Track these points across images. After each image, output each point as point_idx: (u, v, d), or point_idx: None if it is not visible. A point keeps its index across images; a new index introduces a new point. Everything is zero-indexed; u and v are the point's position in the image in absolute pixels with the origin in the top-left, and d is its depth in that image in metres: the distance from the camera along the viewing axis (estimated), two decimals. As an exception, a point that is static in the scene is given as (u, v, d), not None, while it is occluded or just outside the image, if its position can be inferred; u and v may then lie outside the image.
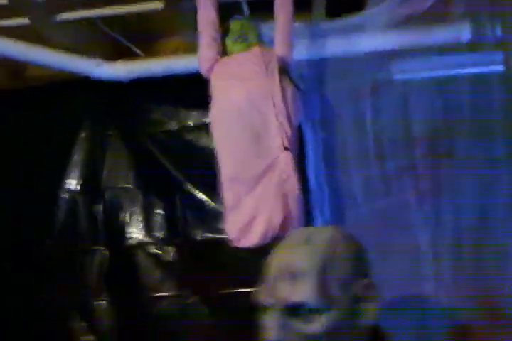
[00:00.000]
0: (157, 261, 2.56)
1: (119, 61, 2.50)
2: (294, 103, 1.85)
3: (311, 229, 1.19)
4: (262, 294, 1.03)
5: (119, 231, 2.62)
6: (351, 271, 1.01)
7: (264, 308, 1.02)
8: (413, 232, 1.84)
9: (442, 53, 1.93)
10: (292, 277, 0.97)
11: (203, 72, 2.00)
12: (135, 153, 2.68)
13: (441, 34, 2.07)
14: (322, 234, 1.06)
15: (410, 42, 2.09)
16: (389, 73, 1.99)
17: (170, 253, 2.56)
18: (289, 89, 1.85)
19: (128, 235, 2.61)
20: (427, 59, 1.95)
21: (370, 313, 1.00)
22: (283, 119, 1.79)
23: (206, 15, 1.99)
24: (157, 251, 2.58)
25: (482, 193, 1.79)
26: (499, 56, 1.78)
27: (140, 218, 2.62)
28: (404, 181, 1.88)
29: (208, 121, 2.60)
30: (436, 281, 1.79)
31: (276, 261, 1.04)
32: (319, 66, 2.16)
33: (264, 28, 2.12)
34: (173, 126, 2.67)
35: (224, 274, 2.46)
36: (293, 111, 1.83)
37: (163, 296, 2.52)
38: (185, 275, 2.52)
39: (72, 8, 2.27)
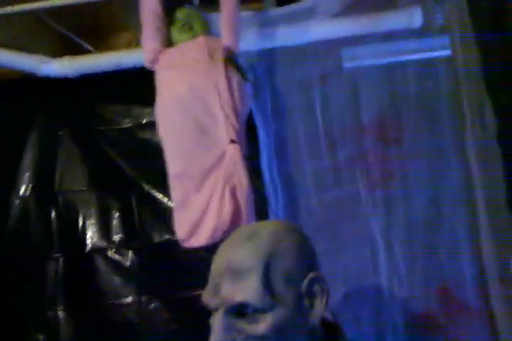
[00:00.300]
0: (115, 266, 2.47)
1: (67, 57, 2.41)
2: (240, 94, 1.79)
3: (255, 224, 1.12)
4: (206, 295, 0.97)
5: (74, 236, 2.52)
6: (297, 265, 0.95)
7: (210, 310, 0.96)
8: (365, 221, 1.81)
9: (391, 39, 1.90)
10: (235, 275, 0.92)
11: (147, 64, 1.93)
12: (88, 153, 2.58)
13: (392, 20, 2.05)
14: (266, 228, 1.00)
15: (361, 29, 2.05)
16: (337, 61, 1.95)
17: (128, 256, 2.47)
18: (235, 79, 1.79)
19: (84, 240, 2.51)
20: (375, 46, 1.92)
21: (319, 308, 0.95)
22: (229, 111, 1.73)
23: (148, 5, 1.93)
24: (115, 256, 2.48)
25: (431, 180, 1.77)
26: (445, 39, 1.75)
27: (96, 221, 2.52)
28: (355, 170, 1.85)
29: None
30: (390, 270, 1.77)
31: (219, 259, 0.98)
32: (269, 56, 2.11)
33: (213, 17, 2.07)
34: (126, 123, 2.59)
35: (185, 276, 2.38)
36: (240, 102, 1.78)
37: (123, 302, 2.43)
38: (145, 280, 2.44)
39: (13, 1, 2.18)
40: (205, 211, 1.70)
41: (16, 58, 2.35)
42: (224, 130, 1.72)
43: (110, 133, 2.60)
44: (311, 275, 0.95)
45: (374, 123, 1.83)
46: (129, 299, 2.43)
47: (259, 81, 2.09)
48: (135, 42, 2.58)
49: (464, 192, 1.69)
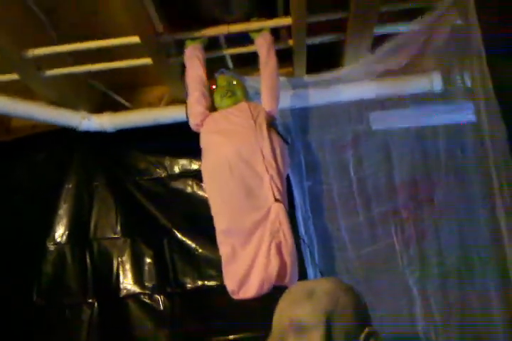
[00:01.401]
0: (149, 311, 2.55)
1: (106, 113, 2.56)
2: (282, 156, 1.92)
3: (310, 282, 1.22)
4: None
5: (108, 282, 2.61)
6: (354, 320, 1.05)
7: None
8: (401, 274, 1.92)
9: (417, 103, 2.06)
10: (299, 331, 1.02)
11: (193, 126, 2.06)
12: (122, 202, 2.70)
13: (415, 84, 2.22)
14: (323, 286, 1.10)
15: (386, 92, 2.23)
16: (368, 123, 2.10)
17: (161, 302, 2.55)
18: (277, 142, 1.92)
19: (118, 286, 2.59)
20: (402, 110, 2.08)
21: None
22: (273, 172, 1.85)
23: (194, 72, 2.08)
24: (148, 301, 2.57)
25: (462, 237, 1.90)
26: (470, 105, 1.91)
27: (129, 268, 2.62)
28: (390, 226, 1.98)
29: (193, 168, 2.73)
30: (426, 320, 1.87)
31: (282, 316, 1.07)
32: (302, 116, 2.27)
33: (248, 80, 2.22)
34: (159, 174, 2.74)
35: (218, 321, 2.45)
36: (282, 164, 1.91)
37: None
38: (178, 324, 2.51)
39: (61, 64, 2.33)
40: (252, 265, 1.80)
41: (60, 114, 2.50)
42: (269, 189, 1.85)
43: (144, 183, 2.72)
44: (366, 330, 1.05)
45: (406, 182, 1.97)
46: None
47: (292, 139, 2.23)
48: (167, 96, 2.76)
49: (492, 247, 1.82)
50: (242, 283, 1.82)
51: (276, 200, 1.84)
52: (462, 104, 1.96)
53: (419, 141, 2.02)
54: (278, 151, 1.91)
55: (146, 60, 2.24)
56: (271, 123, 1.97)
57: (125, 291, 2.59)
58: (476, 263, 1.87)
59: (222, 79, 2.13)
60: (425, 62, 2.01)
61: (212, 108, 2.09)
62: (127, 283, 2.61)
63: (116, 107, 2.67)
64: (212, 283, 2.55)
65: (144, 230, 2.67)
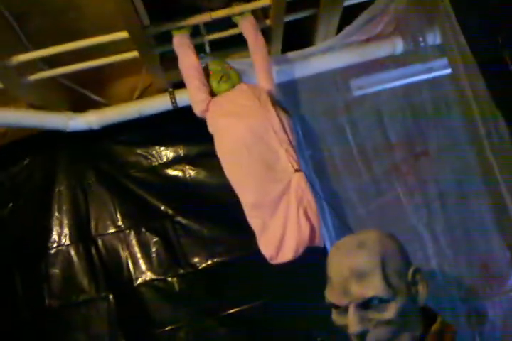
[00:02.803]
0: (165, 295, 2.63)
1: (91, 111, 2.57)
2: (290, 128, 2.06)
3: (356, 235, 1.33)
4: (334, 297, 1.22)
5: (120, 274, 2.66)
6: (401, 260, 1.24)
7: (337, 308, 1.23)
8: (410, 222, 2.15)
9: (397, 64, 2.26)
10: (360, 277, 1.18)
11: (199, 113, 2.14)
12: (118, 196, 2.74)
13: (378, 49, 2.43)
14: (370, 236, 1.27)
15: (357, 58, 2.42)
16: (355, 89, 2.29)
17: (176, 284, 2.64)
18: (284, 117, 2.06)
19: (130, 276, 2.65)
20: (384, 72, 2.27)
21: (423, 293, 1.24)
22: (286, 145, 2.00)
23: (189, 61, 2.15)
24: (163, 286, 2.64)
25: (458, 177, 2.16)
26: (444, 61, 2.10)
27: (139, 257, 2.67)
28: (393, 181, 2.20)
29: (182, 154, 2.81)
30: (438, 258, 2.13)
31: (341, 267, 1.23)
32: (290, 91, 2.40)
33: (233, 64, 2.33)
34: (150, 164, 2.79)
35: (230, 294, 2.60)
36: (292, 136, 2.05)
37: (178, 327, 2.59)
38: (195, 303, 2.61)
39: (34, 67, 2.32)
40: (284, 232, 1.96)
41: (46, 118, 2.49)
42: (287, 162, 2.00)
43: (136, 174, 2.78)
44: (412, 267, 1.25)
45: (401, 140, 2.18)
46: (184, 323, 2.60)
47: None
48: (140, 87, 2.79)
49: (487, 185, 2.07)
50: (279, 248, 1.98)
51: (296, 170, 2.00)
52: (437, 60, 2.18)
53: (407, 99, 2.22)
54: (286, 125, 2.06)
55: (133, 54, 2.29)
56: (273, 101, 2.10)
57: (139, 280, 2.67)
58: (472, 197, 2.14)
59: (214, 64, 2.23)
60: (395, 27, 2.22)
61: (211, 94, 2.19)
62: (139, 272, 2.68)
63: (88, 105, 2.68)
64: (221, 259, 2.67)
65: (145, 219, 2.74)
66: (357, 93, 2.30)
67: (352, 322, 1.17)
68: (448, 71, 2.11)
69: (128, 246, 2.72)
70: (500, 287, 2.08)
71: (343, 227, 2.17)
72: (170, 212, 2.73)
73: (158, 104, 2.60)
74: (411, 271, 1.24)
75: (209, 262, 2.68)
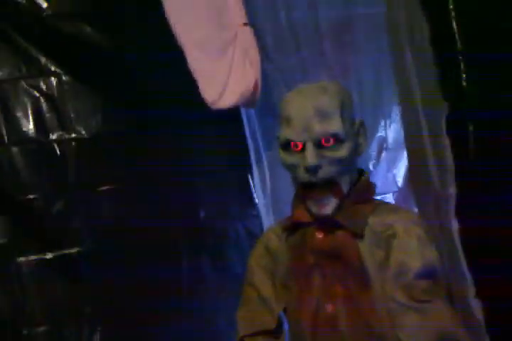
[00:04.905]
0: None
1: None
2: None
3: (317, 83, 1.41)
4: (293, 134, 1.30)
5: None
6: (352, 112, 1.39)
7: (286, 150, 1.32)
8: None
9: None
10: (323, 116, 1.29)
11: None
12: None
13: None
14: (331, 85, 1.38)
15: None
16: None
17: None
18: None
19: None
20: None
21: (364, 145, 1.40)
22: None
23: None
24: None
25: (376, 71, 2.40)
26: None
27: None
28: (320, 65, 2.33)
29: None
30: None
31: (302, 107, 1.31)
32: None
33: None
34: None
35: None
36: None
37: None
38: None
39: None
40: (228, 78, 1.96)
41: None
42: (236, 12, 2.02)
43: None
44: (360, 120, 1.41)
45: (330, 30, 2.34)
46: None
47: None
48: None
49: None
50: (222, 93, 1.95)
51: (245, 24, 2.02)
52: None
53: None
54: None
55: None
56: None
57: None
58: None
59: None
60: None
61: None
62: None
63: None
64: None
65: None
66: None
67: (310, 156, 1.27)
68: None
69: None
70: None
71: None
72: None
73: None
74: (358, 121, 1.39)
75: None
